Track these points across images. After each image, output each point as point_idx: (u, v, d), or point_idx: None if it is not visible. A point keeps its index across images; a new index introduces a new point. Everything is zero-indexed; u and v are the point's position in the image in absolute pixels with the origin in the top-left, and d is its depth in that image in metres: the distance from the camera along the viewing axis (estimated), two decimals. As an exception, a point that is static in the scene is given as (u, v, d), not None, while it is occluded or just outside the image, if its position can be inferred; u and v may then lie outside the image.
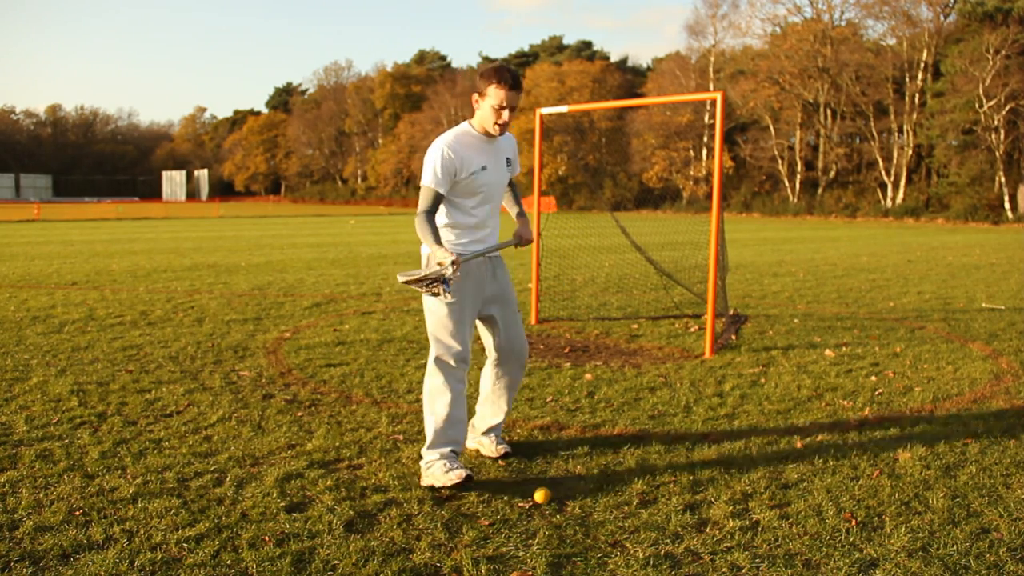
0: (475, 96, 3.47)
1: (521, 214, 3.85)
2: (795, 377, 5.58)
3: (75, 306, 8.57)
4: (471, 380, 4.62)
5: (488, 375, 3.88)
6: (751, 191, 50.42)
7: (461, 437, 3.56)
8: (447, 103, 67.23)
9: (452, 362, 3.52)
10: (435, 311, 3.54)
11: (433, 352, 3.56)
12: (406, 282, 3.29)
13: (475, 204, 3.56)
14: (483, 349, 4.14)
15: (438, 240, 3.37)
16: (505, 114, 3.40)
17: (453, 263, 3.23)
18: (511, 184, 3.90)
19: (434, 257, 3.32)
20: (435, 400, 3.52)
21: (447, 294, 3.26)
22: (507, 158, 3.67)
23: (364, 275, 12.03)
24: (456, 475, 3.27)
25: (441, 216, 3.58)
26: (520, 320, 3.85)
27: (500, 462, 3.80)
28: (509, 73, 3.38)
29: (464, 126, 3.54)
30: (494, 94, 3.37)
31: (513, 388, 3.89)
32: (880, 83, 44.37)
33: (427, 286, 3.26)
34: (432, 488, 3.45)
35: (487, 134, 3.51)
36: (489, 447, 3.92)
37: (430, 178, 3.42)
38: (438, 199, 3.44)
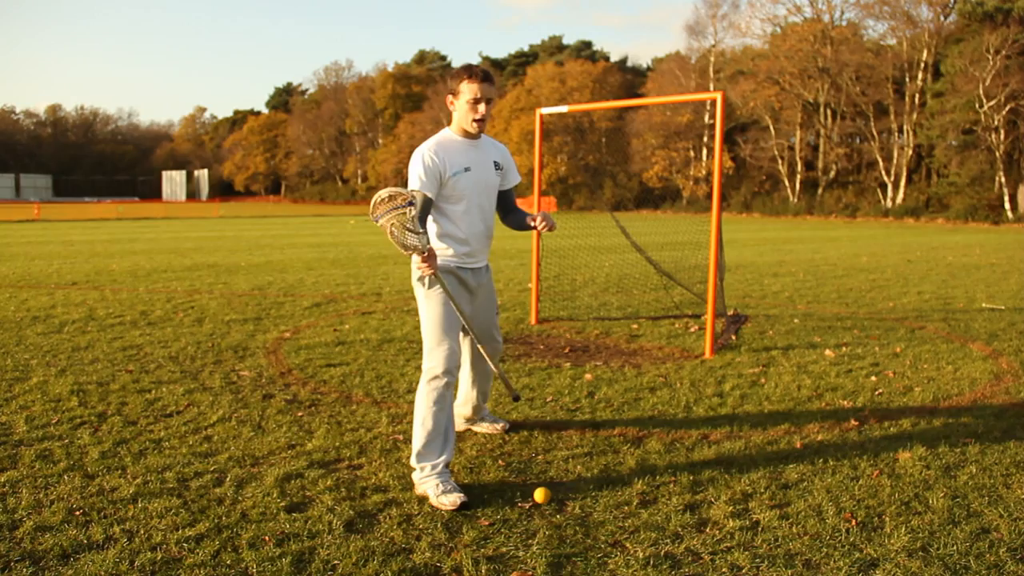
0: (449, 98, 3.49)
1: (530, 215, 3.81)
2: (795, 377, 5.58)
3: (75, 306, 8.57)
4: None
5: (465, 369, 4.09)
6: (751, 191, 50.41)
7: (449, 448, 3.48)
8: (447, 103, 67.19)
9: (440, 370, 3.45)
10: (428, 318, 3.51)
11: (424, 361, 3.54)
12: (379, 216, 3.19)
13: (462, 211, 3.53)
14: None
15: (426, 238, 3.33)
16: (481, 107, 3.42)
17: (428, 252, 3.25)
18: (513, 203, 3.81)
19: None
20: (420, 407, 3.48)
21: (413, 218, 3.18)
22: (495, 161, 3.65)
23: (364, 275, 12.03)
24: (451, 502, 3.23)
25: (431, 225, 3.56)
26: (496, 321, 3.97)
27: (500, 462, 3.80)
28: (478, 67, 3.44)
29: (444, 132, 3.57)
30: (468, 89, 3.42)
31: (489, 377, 4.12)
32: (880, 83, 44.38)
33: (398, 212, 3.15)
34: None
35: (467, 135, 3.53)
36: (488, 428, 4.23)
37: (416, 183, 3.41)
38: (427, 203, 3.42)
